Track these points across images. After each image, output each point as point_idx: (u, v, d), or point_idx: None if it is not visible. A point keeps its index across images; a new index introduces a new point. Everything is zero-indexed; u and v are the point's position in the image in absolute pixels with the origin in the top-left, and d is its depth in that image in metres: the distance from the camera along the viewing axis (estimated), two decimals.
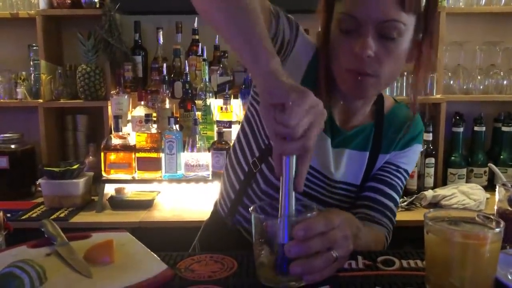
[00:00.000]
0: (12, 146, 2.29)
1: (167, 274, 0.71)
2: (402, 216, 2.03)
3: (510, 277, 0.71)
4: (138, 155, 2.16)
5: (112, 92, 2.33)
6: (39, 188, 2.22)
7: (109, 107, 2.31)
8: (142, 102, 2.27)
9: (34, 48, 2.39)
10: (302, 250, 0.68)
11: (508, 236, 0.72)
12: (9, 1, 2.37)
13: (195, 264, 0.79)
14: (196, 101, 2.24)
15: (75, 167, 2.14)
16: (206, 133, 2.24)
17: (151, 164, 2.16)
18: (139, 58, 2.37)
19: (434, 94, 2.34)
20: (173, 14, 2.39)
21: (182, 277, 0.74)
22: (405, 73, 2.21)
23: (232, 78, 2.32)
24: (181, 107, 2.26)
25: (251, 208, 0.74)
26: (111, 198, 2.18)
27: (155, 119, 2.23)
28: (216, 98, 2.27)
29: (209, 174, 2.15)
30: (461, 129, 2.39)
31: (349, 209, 0.99)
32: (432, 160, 2.33)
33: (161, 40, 2.37)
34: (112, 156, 2.16)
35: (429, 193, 2.20)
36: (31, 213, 2.07)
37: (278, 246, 0.69)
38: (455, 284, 0.66)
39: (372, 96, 1.01)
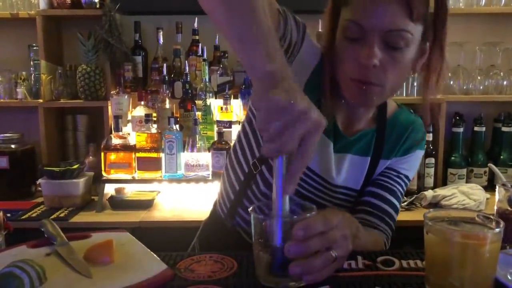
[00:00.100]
0: (12, 146, 2.29)
1: (167, 274, 0.70)
2: (402, 216, 2.00)
3: (510, 277, 0.71)
4: (138, 155, 2.16)
5: (112, 92, 2.33)
6: (39, 188, 2.22)
7: (109, 107, 2.31)
8: (142, 102, 2.27)
9: (34, 48, 2.40)
10: (301, 250, 0.67)
11: (508, 236, 0.73)
12: (9, 1, 2.37)
13: (195, 264, 0.79)
14: (196, 101, 2.24)
15: (75, 167, 2.14)
16: (206, 133, 2.24)
17: (151, 164, 2.16)
18: (139, 58, 2.37)
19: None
20: (173, 14, 2.39)
21: (182, 277, 0.74)
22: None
23: (232, 78, 2.32)
24: (181, 107, 2.26)
25: (250, 208, 0.74)
26: (111, 198, 2.18)
27: (155, 119, 2.23)
28: (216, 98, 2.27)
29: (209, 174, 2.15)
30: (461, 129, 2.39)
31: None
32: (432, 160, 2.34)
33: (161, 40, 2.37)
34: (112, 156, 2.16)
35: (429, 193, 2.20)
36: (31, 213, 2.07)
37: (272, 247, 0.69)
38: (454, 284, 0.66)
39: (376, 104, 1.00)
